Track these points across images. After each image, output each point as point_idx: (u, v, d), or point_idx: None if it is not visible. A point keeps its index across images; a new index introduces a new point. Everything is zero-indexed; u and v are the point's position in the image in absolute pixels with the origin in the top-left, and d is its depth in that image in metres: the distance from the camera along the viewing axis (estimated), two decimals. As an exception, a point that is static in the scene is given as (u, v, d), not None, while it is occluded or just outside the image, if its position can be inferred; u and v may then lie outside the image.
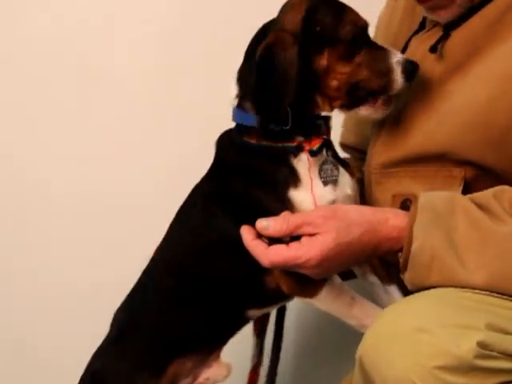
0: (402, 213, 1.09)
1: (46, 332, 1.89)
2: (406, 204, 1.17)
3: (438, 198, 1.07)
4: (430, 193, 1.10)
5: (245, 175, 1.14)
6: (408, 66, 1.09)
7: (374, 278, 1.23)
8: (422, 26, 1.26)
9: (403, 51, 1.26)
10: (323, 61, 1.09)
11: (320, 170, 1.14)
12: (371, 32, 1.43)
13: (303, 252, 1.06)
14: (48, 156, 1.87)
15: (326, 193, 1.13)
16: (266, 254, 1.08)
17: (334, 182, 1.15)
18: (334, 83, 1.10)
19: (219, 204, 1.16)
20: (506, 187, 1.06)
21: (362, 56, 1.10)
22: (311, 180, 1.12)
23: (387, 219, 1.08)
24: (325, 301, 1.18)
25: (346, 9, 1.09)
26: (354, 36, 1.08)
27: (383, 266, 1.22)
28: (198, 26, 1.86)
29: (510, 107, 1.08)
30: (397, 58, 1.09)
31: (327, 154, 1.16)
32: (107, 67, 1.86)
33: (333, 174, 1.15)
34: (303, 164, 1.13)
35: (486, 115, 1.09)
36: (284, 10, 1.12)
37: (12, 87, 1.84)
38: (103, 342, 1.27)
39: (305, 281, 1.13)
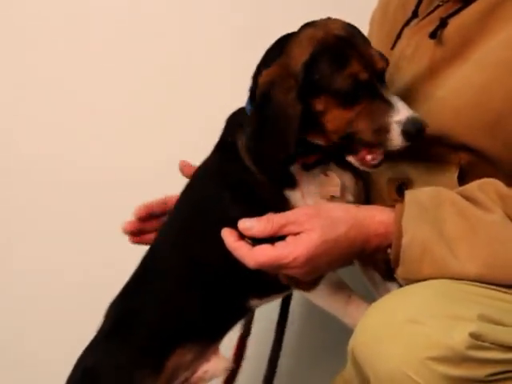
0: (387, 209, 1.09)
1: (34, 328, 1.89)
2: (401, 188, 1.17)
3: (424, 194, 1.07)
4: (415, 189, 1.11)
5: (246, 166, 1.14)
6: (410, 127, 1.02)
7: (375, 275, 1.23)
8: (414, 14, 1.26)
9: (396, 41, 1.27)
10: (320, 105, 1.06)
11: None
12: (365, 28, 1.47)
13: (289, 251, 1.06)
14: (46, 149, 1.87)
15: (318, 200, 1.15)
16: (251, 255, 1.07)
17: (335, 196, 1.16)
18: (330, 127, 1.08)
19: (222, 186, 1.17)
20: (490, 179, 1.07)
21: (362, 107, 1.05)
22: (301, 189, 1.13)
23: (373, 215, 1.08)
24: (321, 295, 1.18)
25: (352, 59, 1.04)
26: (351, 89, 1.04)
27: (385, 262, 1.20)
28: (198, 19, 1.86)
29: (502, 93, 1.09)
30: (399, 116, 1.03)
31: (327, 166, 1.16)
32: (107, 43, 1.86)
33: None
34: (298, 173, 1.14)
35: (480, 100, 1.10)
36: (295, 40, 1.09)
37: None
38: (96, 336, 1.26)
39: None
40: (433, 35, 1.17)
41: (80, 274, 1.87)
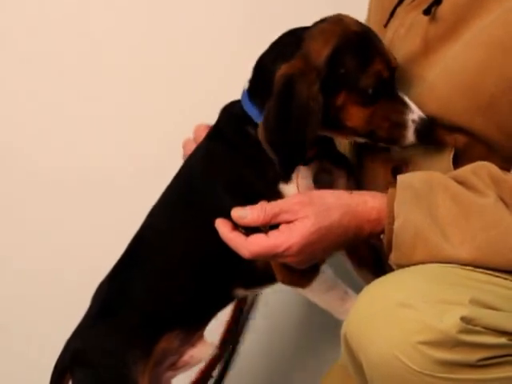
0: (379, 194, 1.09)
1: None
2: (396, 171, 1.16)
3: (416, 178, 1.07)
4: (407, 174, 1.10)
5: (240, 156, 1.15)
6: (423, 126, 1.07)
7: (369, 275, 1.23)
8: None
9: (388, 21, 1.26)
10: (339, 101, 1.07)
11: (315, 180, 1.15)
12: (364, 13, 1.46)
13: (283, 240, 1.06)
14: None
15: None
16: (246, 245, 1.08)
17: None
18: (349, 124, 1.09)
19: (213, 176, 1.17)
20: (484, 162, 1.07)
21: (379, 106, 1.08)
22: (297, 185, 1.13)
23: (365, 201, 1.08)
24: (317, 292, 1.18)
25: (375, 56, 1.05)
26: (374, 87, 1.06)
27: (379, 262, 1.21)
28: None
29: (496, 73, 1.08)
30: (413, 116, 1.07)
31: (322, 162, 1.16)
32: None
33: (328, 182, 1.16)
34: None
35: (473, 80, 1.10)
36: (313, 34, 1.08)
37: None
38: (84, 319, 1.26)
39: (298, 270, 1.14)
40: (427, 12, 1.16)
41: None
